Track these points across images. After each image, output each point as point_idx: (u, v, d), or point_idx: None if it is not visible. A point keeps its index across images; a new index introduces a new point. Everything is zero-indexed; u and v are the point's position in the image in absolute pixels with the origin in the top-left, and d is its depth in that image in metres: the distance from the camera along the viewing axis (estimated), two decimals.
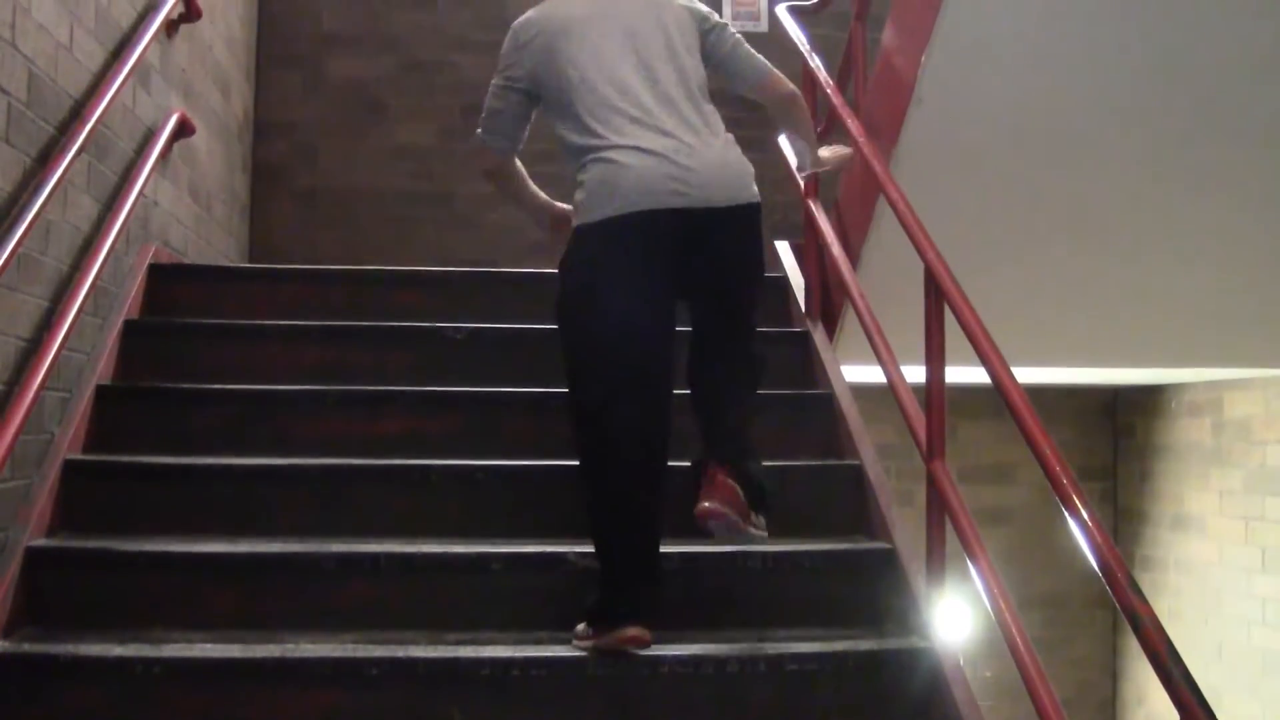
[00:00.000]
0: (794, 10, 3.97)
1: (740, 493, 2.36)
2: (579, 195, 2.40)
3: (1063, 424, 6.57)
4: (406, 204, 5.32)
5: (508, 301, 3.57)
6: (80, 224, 2.99)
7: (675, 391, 2.44)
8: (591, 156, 2.38)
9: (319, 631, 2.44)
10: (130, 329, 3.27)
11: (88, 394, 2.95)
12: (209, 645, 2.34)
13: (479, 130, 2.67)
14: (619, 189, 2.32)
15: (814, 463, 3.05)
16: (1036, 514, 6.29)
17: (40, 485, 2.65)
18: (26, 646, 2.29)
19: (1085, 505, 1.91)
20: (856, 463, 2.98)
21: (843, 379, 3.30)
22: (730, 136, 2.48)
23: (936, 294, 2.52)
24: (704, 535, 2.43)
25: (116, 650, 2.28)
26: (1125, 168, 3.44)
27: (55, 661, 2.26)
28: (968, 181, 3.43)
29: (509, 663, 2.32)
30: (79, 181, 2.98)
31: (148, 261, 3.52)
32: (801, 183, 3.65)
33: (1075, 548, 1.89)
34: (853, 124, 3.24)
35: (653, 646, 2.35)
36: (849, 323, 3.58)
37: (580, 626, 2.39)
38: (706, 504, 2.34)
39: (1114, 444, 6.80)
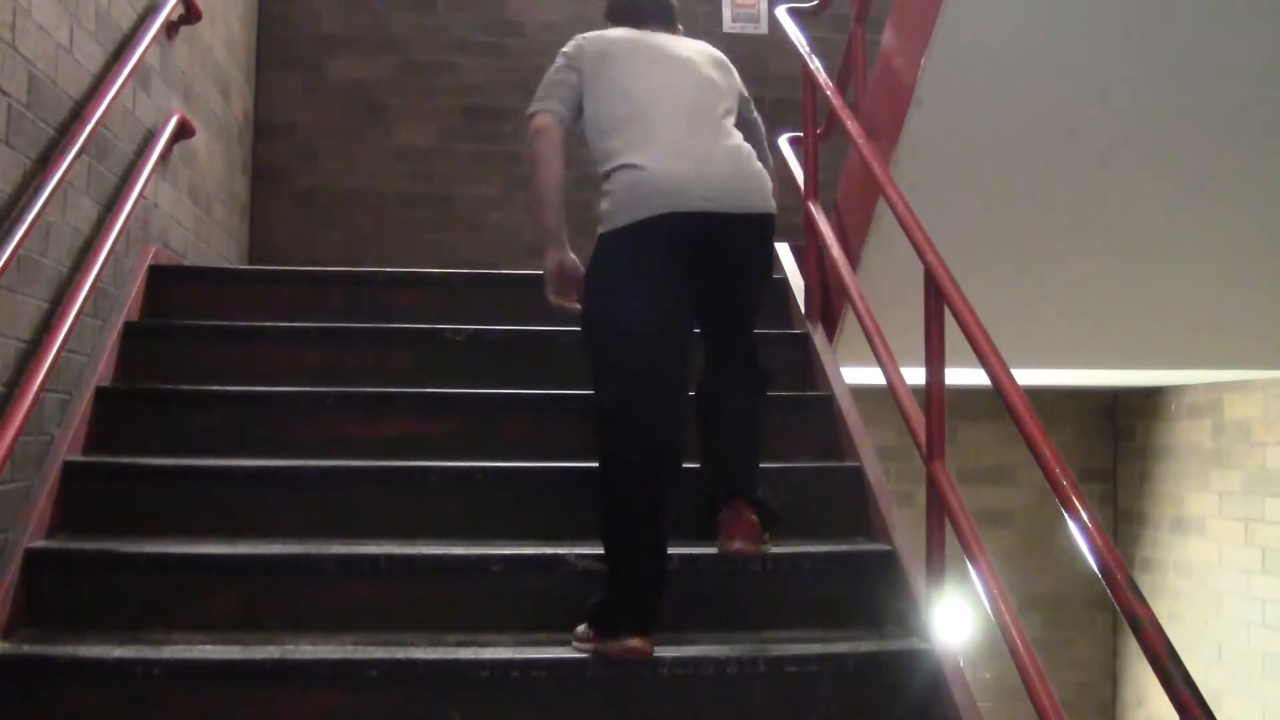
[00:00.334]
0: (794, 12, 3.97)
1: (757, 525, 2.49)
2: (605, 204, 2.46)
3: (1063, 426, 6.57)
4: (406, 205, 5.32)
5: (507, 303, 3.57)
6: (80, 226, 2.99)
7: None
8: (620, 163, 2.46)
9: (319, 633, 2.44)
10: (130, 331, 3.27)
11: (87, 395, 2.95)
12: (209, 646, 2.34)
13: (534, 103, 2.64)
14: (646, 195, 2.40)
15: (814, 464, 3.05)
16: (1036, 516, 6.29)
17: (40, 487, 2.65)
18: (26, 648, 2.30)
19: (1085, 507, 1.91)
20: (856, 464, 2.98)
21: (843, 381, 3.30)
22: (753, 151, 2.59)
23: (936, 295, 2.52)
24: (707, 541, 2.51)
25: (116, 651, 2.28)
26: (1125, 169, 3.44)
27: (55, 663, 2.26)
28: (968, 183, 3.43)
29: (508, 664, 2.32)
30: (79, 183, 2.98)
31: (148, 263, 3.52)
32: None
33: (1075, 549, 1.89)
34: (852, 125, 3.24)
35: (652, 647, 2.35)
36: (849, 324, 3.58)
37: (581, 628, 2.39)
38: (738, 544, 2.46)
39: (1114, 446, 6.80)
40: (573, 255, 2.60)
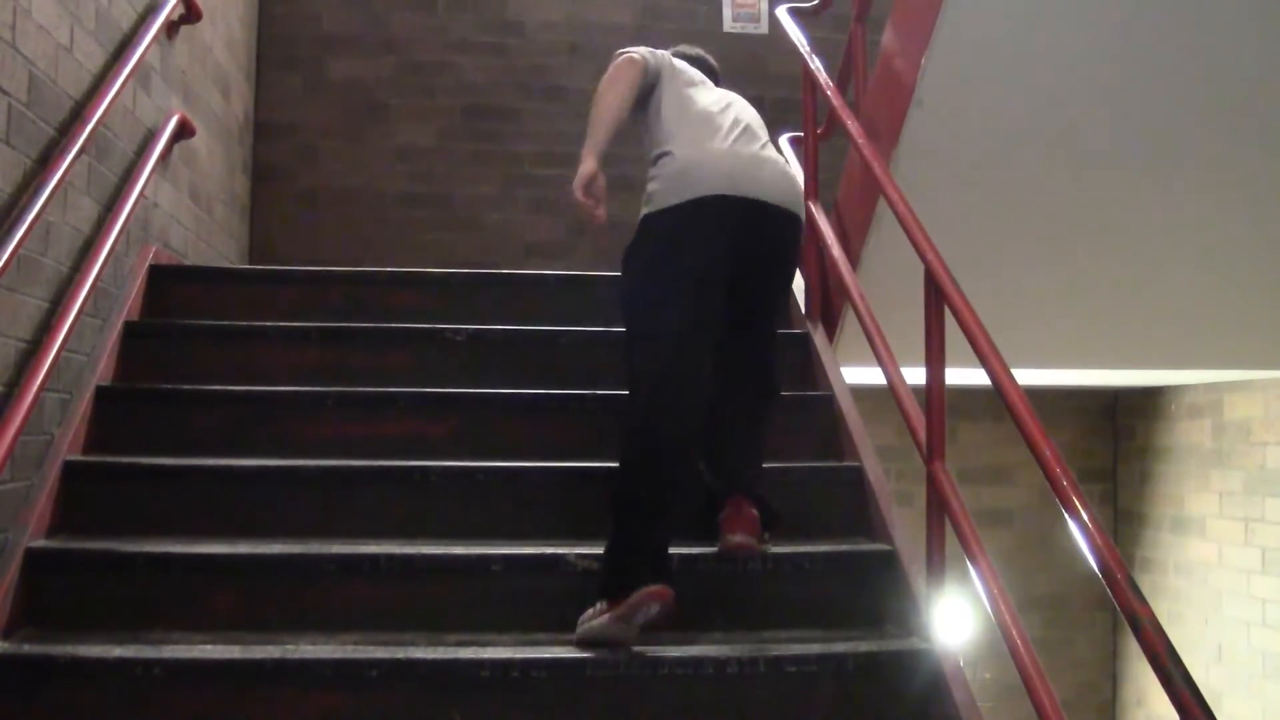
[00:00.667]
0: (794, 12, 3.97)
1: (758, 520, 2.56)
2: (652, 186, 2.59)
3: (1063, 426, 6.57)
4: (406, 205, 5.33)
5: (507, 303, 3.58)
6: (80, 225, 2.99)
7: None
8: (672, 149, 2.61)
9: (319, 633, 2.44)
10: (130, 330, 3.27)
11: (88, 395, 2.95)
12: (209, 646, 2.34)
13: (627, 50, 2.79)
14: (696, 178, 2.55)
15: (814, 464, 3.05)
16: (1036, 515, 6.30)
17: (40, 486, 2.65)
18: (26, 647, 2.29)
19: (1085, 507, 1.91)
20: (857, 464, 2.98)
21: (843, 380, 3.30)
22: (792, 163, 2.77)
23: (936, 295, 2.52)
24: (722, 555, 2.57)
25: (116, 651, 2.28)
26: (1125, 169, 3.44)
27: (55, 662, 2.26)
28: (968, 183, 3.43)
29: (509, 664, 2.32)
30: (79, 183, 2.98)
31: (148, 263, 3.52)
32: None
33: (1075, 549, 1.89)
34: (853, 125, 3.24)
35: (652, 647, 2.35)
36: (849, 324, 3.58)
37: (587, 613, 2.39)
38: (738, 538, 2.53)
39: (1114, 446, 6.80)
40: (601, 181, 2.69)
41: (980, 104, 3.23)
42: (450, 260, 4.87)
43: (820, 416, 3.21)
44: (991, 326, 2.35)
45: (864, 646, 2.46)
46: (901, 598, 2.59)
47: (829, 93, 3.48)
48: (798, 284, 3.85)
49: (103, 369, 3.06)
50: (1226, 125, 3.29)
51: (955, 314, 2.43)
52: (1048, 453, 2.05)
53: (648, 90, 2.76)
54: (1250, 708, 5.44)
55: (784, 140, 4.18)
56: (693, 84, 2.82)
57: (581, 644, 2.38)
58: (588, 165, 2.62)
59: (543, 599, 2.54)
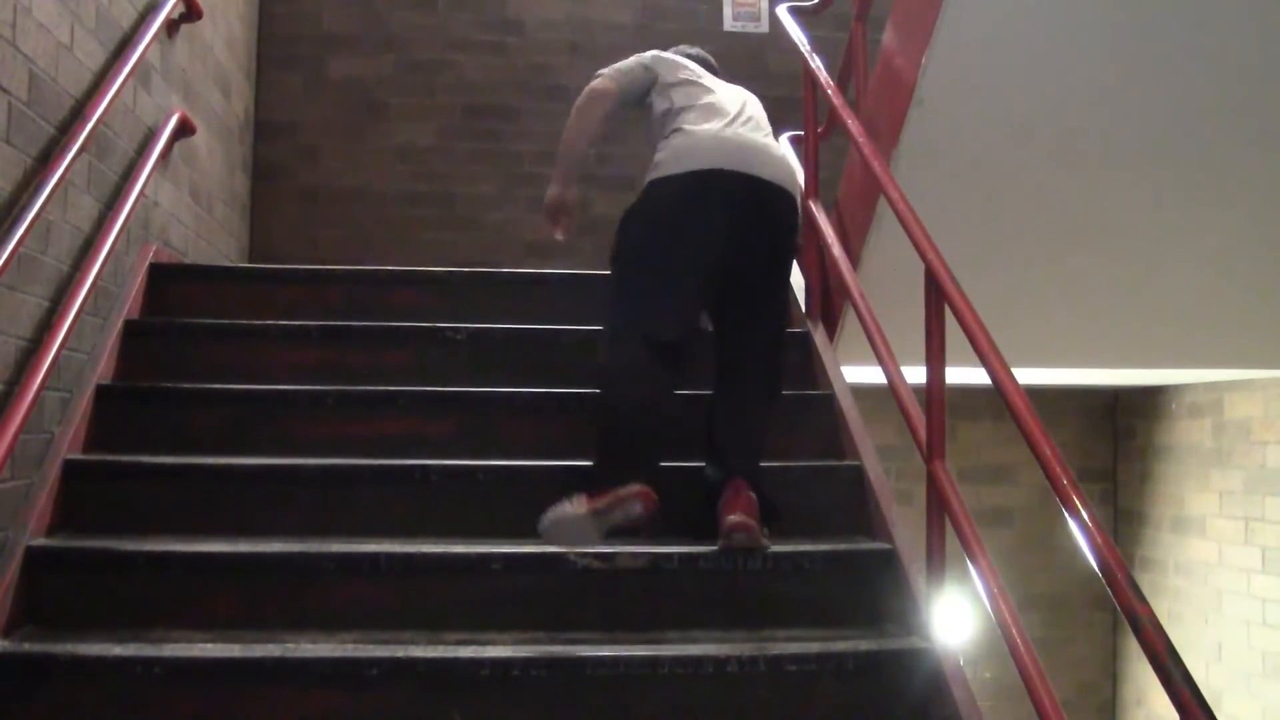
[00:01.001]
0: (794, 11, 3.97)
1: (757, 504, 2.57)
2: (658, 156, 2.72)
3: (1063, 425, 6.57)
4: (406, 204, 5.32)
5: (507, 302, 3.58)
6: (81, 224, 2.99)
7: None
8: (675, 126, 2.76)
9: (319, 632, 2.44)
10: (130, 329, 3.27)
11: (88, 394, 2.95)
12: (209, 645, 2.34)
13: (602, 73, 2.97)
14: (701, 152, 2.68)
15: (814, 463, 3.05)
16: (1036, 515, 6.30)
17: (40, 485, 2.65)
18: (26, 646, 2.29)
19: (1085, 506, 1.91)
20: (857, 463, 2.98)
21: (843, 379, 3.30)
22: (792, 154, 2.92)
23: (937, 294, 2.52)
24: (725, 547, 2.55)
25: (116, 650, 2.28)
26: (1126, 168, 3.44)
27: (55, 661, 2.25)
28: (968, 182, 3.42)
29: (509, 663, 2.32)
30: (79, 181, 2.98)
31: (148, 261, 3.52)
32: None
33: (1075, 549, 1.89)
34: (853, 124, 3.24)
35: (652, 647, 2.35)
36: (849, 323, 3.58)
37: (563, 500, 2.42)
38: (736, 517, 2.52)
39: (1114, 445, 6.80)
40: (575, 191, 2.90)
41: (980, 104, 3.22)
42: (450, 259, 4.86)
43: (820, 415, 3.21)
44: (992, 326, 2.35)
45: (864, 646, 2.46)
46: (902, 597, 2.59)
47: (829, 92, 3.47)
48: (798, 283, 3.86)
49: (103, 367, 3.06)
50: (1227, 125, 3.29)
51: (955, 313, 2.43)
52: (1048, 452, 2.05)
53: (644, 91, 2.89)
54: (1250, 707, 5.44)
55: (784, 139, 4.18)
56: (701, 77, 2.98)
57: (544, 534, 2.42)
58: (555, 191, 2.81)
59: (543, 598, 2.54)
